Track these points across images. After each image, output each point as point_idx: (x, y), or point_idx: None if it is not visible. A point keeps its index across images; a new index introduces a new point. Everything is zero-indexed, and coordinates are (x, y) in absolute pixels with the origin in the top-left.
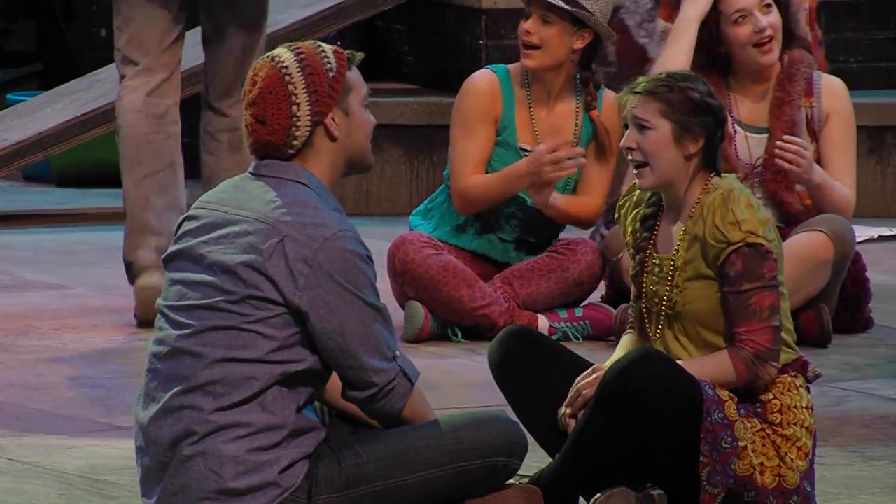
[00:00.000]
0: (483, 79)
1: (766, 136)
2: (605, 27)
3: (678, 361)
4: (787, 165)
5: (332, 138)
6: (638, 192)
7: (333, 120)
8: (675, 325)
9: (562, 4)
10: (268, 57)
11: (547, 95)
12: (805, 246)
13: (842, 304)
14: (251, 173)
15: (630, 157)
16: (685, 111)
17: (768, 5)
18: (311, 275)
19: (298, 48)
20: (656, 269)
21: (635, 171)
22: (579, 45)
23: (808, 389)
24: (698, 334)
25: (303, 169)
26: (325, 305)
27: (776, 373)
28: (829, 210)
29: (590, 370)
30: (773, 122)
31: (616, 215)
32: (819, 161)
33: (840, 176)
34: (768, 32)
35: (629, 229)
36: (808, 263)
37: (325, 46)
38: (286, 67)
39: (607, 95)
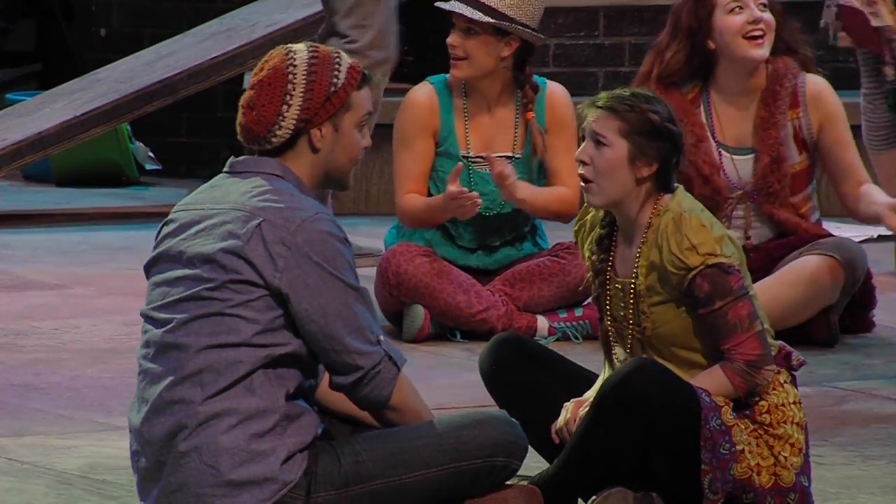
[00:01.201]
0: (420, 92)
1: (752, 156)
2: (529, 33)
3: None
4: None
5: (314, 149)
6: (591, 213)
7: (320, 131)
8: (647, 349)
9: (480, 17)
10: (285, 48)
11: (485, 102)
12: (815, 270)
13: (846, 310)
14: (226, 172)
15: (581, 171)
16: (643, 134)
17: (764, 5)
18: (289, 256)
19: (316, 51)
20: (619, 294)
21: (583, 186)
22: (507, 52)
23: (794, 382)
24: (674, 354)
25: (279, 163)
26: (305, 287)
27: (773, 375)
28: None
29: (574, 407)
30: (759, 145)
31: (574, 239)
32: (830, 165)
33: (855, 172)
34: (762, 25)
35: (587, 253)
36: (815, 287)
37: (344, 58)
38: (294, 66)
39: (552, 87)
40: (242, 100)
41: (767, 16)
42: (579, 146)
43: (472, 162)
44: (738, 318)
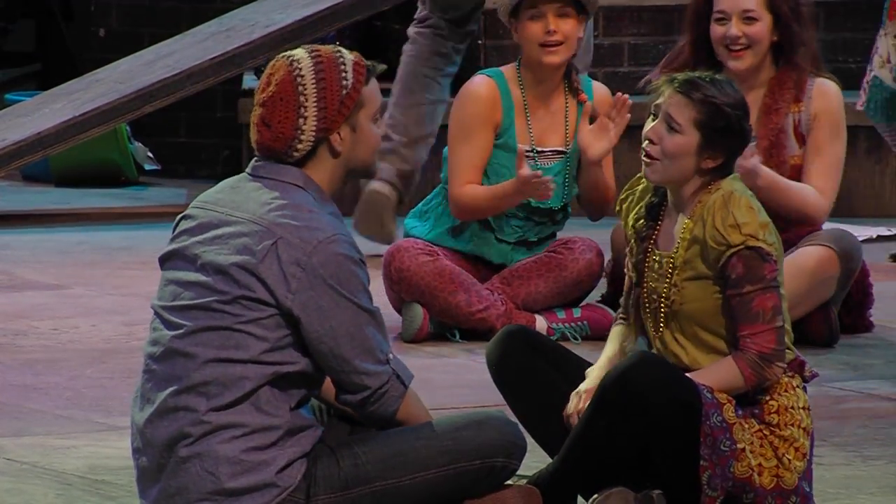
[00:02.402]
0: (483, 84)
1: (753, 143)
2: (596, 3)
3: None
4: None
5: (335, 154)
6: (641, 186)
7: (339, 135)
8: (672, 323)
9: None
10: (286, 58)
11: (543, 96)
12: (811, 261)
13: (844, 310)
14: (249, 174)
15: (646, 146)
16: (717, 129)
17: (750, 18)
18: (303, 278)
19: (318, 55)
20: (656, 266)
21: (646, 160)
22: (582, 33)
23: (804, 389)
24: (696, 334)
25: (301, 173)
26: (318, 309)
27: (782, 373)
28: (789, 213)
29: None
30: (760, 130)
31: (617, 208)
32: (803, 163)
33: (818, 180)
34: (741, 41)
35: (631, 222)
36: (813, 279)
37: (346, 56)
38: (301, 76)
39: (597, 86)
40: (255, 118)
41: (753, 30)
42: (647, 122)
43: (527, 156)
44: (762, 307)
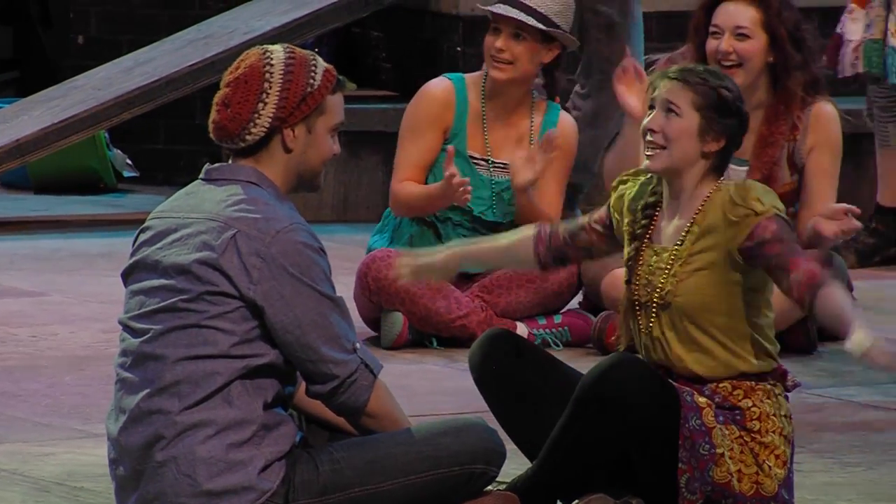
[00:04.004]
0: (439, 86)
1: (745, 168)
2: (572, 39)
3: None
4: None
5: (287, 149)
6: (642, 178)
7: (293, 132)
8: (663, 316)
9: (535, 24)
10: (261, 49)
11: (503, 108)
12: None
13: None
14: (203, 178)
15: (649, 139)
16: (715, 109)
17: (742, 35)
18: (264, 268)
19: (293, 53)
20: (653, 259)
21: (649, 153)
22: (548, 58)
23: (786, 398)
24: (685, 330)
25: (255, 170)
26: (281, 298)
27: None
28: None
29: None
30: (755, 161)
31: (613, 184)
32: (802, 186)
33: (817, 201)
34: (731, 58)
35: (626, 218)
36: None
37: (321, 63)
38: (271, 65)
39: (564, 118)
40: (217, 97)
41: (744, 46)
42: (646, 117)
43: (476, 164)
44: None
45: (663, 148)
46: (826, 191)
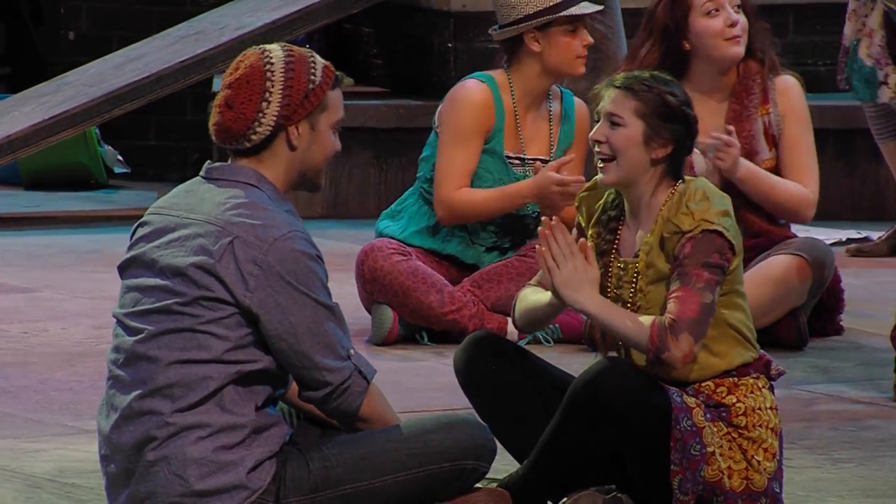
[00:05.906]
0: (477, 90)
1: (733, 129)
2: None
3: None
4: (715, 161)
5: (291, 147)
6: (602, 192)
7: (297, 129)
8: None
9: (596, 8)
10: (259, 48)
11: (533, 103)
12: (783, 270)
13: (814, 314)
14: (203, 176)
15: (597, 150)
16: (659, 115)
17: (739, 6)
18: (261, 276)
19: (291, 51)
20: (620, 273)
21: (600, 166)
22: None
23: (771, 389)
24: None
25: (255, 172)
26: (277, 306)
27: (688, 357)
28: (775, 208)
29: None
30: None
31: (576, 203)
32: (780, 163)
33: (800, 175)
34: (739, 26)
35: (593, 232)
36: (784, 287)
37: (318, 60)
38: (272, 64)
39: (578, 103)
40: (218, 99)
41: (742, 18)
42: (591, 129)
43: (511, 163)
44: (697, 276)
45: (612, 159)
46: (804, 161)
